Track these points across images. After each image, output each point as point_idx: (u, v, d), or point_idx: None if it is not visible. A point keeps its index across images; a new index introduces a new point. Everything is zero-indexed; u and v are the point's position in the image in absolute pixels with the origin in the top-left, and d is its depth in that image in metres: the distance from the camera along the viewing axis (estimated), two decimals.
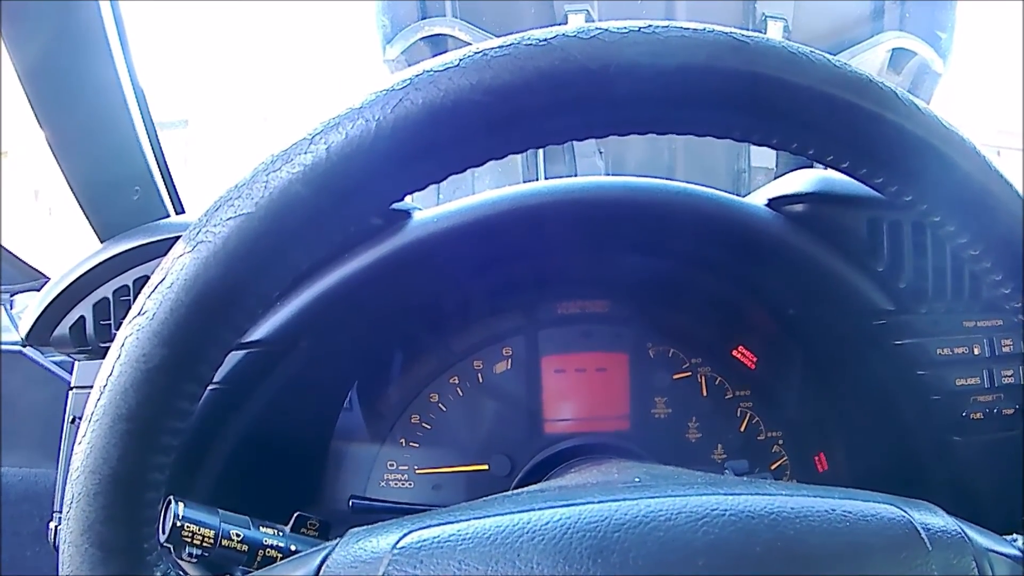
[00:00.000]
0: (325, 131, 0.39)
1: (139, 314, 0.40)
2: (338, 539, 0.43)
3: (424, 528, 0.42)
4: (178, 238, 0.72)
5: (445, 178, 0.40)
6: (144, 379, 0.39)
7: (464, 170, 0.40)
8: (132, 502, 0.40)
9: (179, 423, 0.41)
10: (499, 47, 0.39)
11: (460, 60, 0.39)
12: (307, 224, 0.39)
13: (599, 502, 0.42)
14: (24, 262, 1.30)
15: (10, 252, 1.28)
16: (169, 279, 0.39)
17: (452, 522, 0.42)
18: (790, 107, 0.41)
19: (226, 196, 0.40)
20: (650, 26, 0.39)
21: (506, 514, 0.42)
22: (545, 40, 0.39)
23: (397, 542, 0.41)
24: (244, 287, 0.39)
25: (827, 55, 0.41)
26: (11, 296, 1.25)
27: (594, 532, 0.40)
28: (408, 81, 0.38)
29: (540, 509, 0.42)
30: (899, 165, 0.44)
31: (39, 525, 1.11)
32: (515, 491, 0.52)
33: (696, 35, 0.40)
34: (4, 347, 1.12)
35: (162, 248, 0.76)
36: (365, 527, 0.44)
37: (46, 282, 1.25)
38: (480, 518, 0.42)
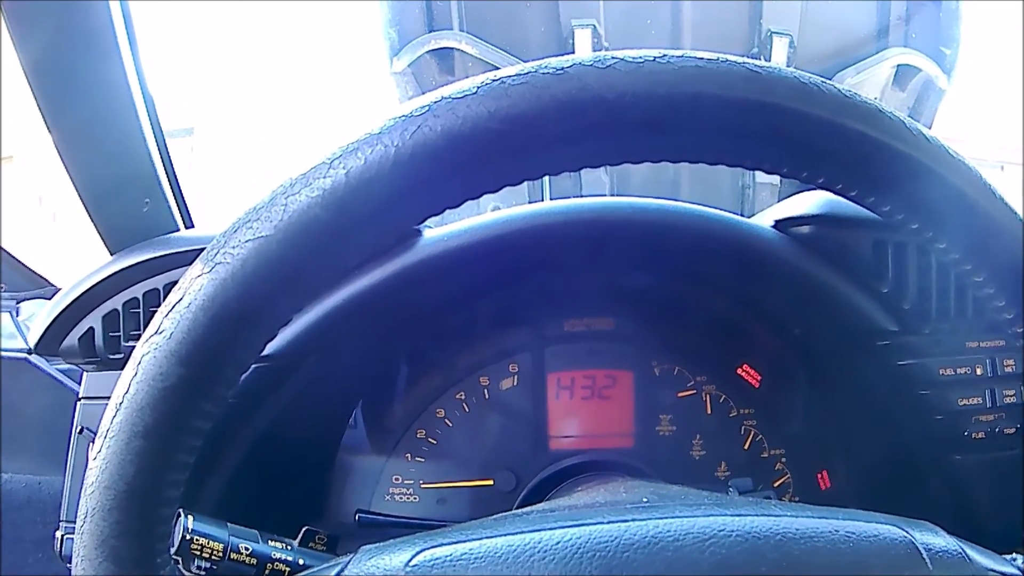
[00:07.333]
0: (344, 155, 0.39)
1: (156, 332, 0.40)
2: (351, 556, 0.44)
3: (436, 546, 0.42)
4: (188, 252, 0.72)
5: (462, 203, 0.41)
6: (161, 397, 0.39)
7: (480, 196, 0.40)
8: (146, 518, 0.41)
9: (194, 441, 0.41)
10: (516, 75, 0.39)
11: (478, 87, 0.39)
12: (325, 247, 0.39)
13: (608, 522, 0.43)
14: (30, 269, 1.30)
15: (15, 258, 1.29)
16: (187, 299, 0.40)
17: (464, 540, 0.43)
18: (801, 136, 0.42)
19: (245, 218, 0.40)
20: (664, 56, 0.40)
21: (517, 533, 0.43)
22: (562, 69, 0.39)
23: (410, 560, 0.41)
24: (261, 308, 0.40)
25: (838, 85, 0.42)
26: (17, 303, 1.25)
27: (603, 552, 0.41)
28: (426, 107, 0.39)
29: (550, 529, 0.43)
30: (906, 193, 0.44)
31: (42, 532, 1.11)
32: (525, 510, 0.52)
33: (710, 65, 0.40)
34: (10, 354, 1.12)
35: (172, 262, 0.76)
36: (377, 544, 0.44)
37: (52, 289, 1.25)
38: (491, 537, 0.43)
